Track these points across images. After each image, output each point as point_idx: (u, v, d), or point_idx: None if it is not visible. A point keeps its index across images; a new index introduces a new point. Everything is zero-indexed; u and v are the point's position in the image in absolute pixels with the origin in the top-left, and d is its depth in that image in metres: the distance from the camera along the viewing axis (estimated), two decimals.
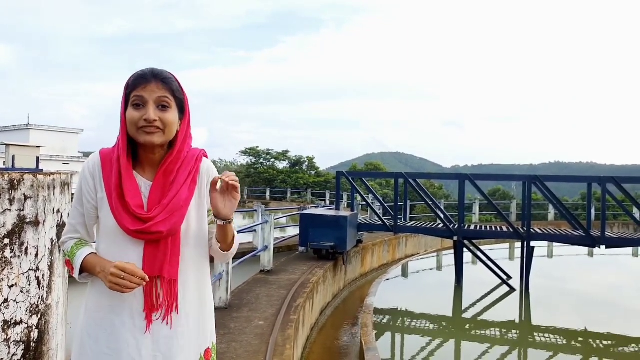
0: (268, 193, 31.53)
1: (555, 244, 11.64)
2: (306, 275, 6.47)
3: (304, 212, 8.50)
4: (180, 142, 1.36)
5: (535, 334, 6.64)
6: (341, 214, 8.41)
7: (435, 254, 13.17)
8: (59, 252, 1.84)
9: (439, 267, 12.03)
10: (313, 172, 38.16)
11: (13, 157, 16.91)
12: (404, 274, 10.32)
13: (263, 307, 4.70)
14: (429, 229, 9.61)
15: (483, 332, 6.80)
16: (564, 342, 6.25)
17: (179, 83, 1.36)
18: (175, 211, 1.30)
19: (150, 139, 1.30)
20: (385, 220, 9.41)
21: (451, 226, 8.98)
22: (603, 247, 8.37)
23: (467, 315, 7.60)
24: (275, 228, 7.30)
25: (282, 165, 38.98)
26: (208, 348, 1.40)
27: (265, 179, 35.92)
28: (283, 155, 39.15)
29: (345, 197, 13.89)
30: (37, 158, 18.84)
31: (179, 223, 1.31)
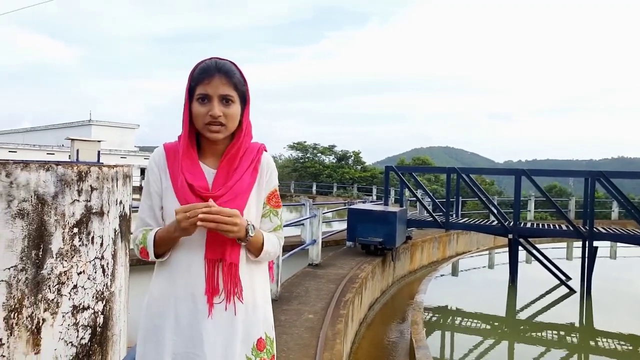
0: (314, 187, 31.68)
1: (619, 244, 11.01)
2: (354, 270, 6.44)
3: (352, 207, 8.45)
4: (243, 133, 1.40)
5: (598, 339, 6.29)
6: (390, 209, 8.30)
7: (487, 252, 12.78)
8: (122, 241, 1.91)
9: (491, 266, 11.67)
10: (359, 167, 38.00)
11: (77, 150, 17.87)
12: (454, 271, 10.09)
13: (312, 300, 4.72)
14: (482, 226, 9.31)
15: (539, 334, 6.52)
16: (630, 348, 5.90)
17: (241, 74, 1.39)
18: (239, 194, 1.33)
19: (215, 136, 1.34)
20: (436, 217, 9.20)
21: (506, 223, 8.67)
22: None
23: (522, 316, 7.32)
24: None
25: (328, 159, 39.06)
26: (261, 338, 1.39)
27: (312, 174, 36.10)
28: (329, 149, 39.20)
29: (392, 192, 13.71)
30: (98, 152, 19.84)
31: (242, 206, 1.33)
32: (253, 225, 1.33)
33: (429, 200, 11.26)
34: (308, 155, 39.17)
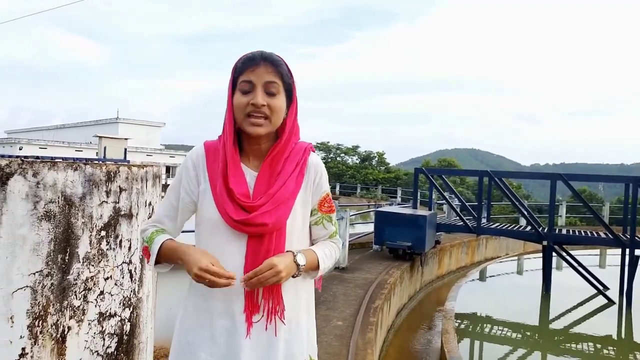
0: (337, 188, 31.50)
1: None
2: (382, 275, 6.28)
3: (380, 209, 8.29)
4: (288, 131, 1.26)
5: (638, 353, 5.99)
6: (419, 212, 8.10)
7: (516, 257, 12.42)
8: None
9: (520, 272, 11.33)
10: (383, 168, 37.68)
11: (105, 148, 18.11)
12: (482, 277, 9.81)
13: (341, 306, 4.58)
14: (515, 232, 9.00)
15: (574, 346, 6.24)
16: None
17: (287, 67, 1.25)
18: (281, 203, 1.20)
19: (256, 130, 1.21)
20: (466, 221, 8.95)
21: (540, 229, 8.37)
22: None
23: (556, 325, 7.03)
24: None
25: (351, 160, 38.85)
26: None
27: (335, 174, 35.94)
28: (353, 150, 39.00)
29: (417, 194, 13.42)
30: (125, 149, 20.08)
31: (285, 216, 1.20)
32: (303, 255, 1.21)
33: (458, 203, 10.99)
34: (331, 155, 39.03)
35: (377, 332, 4.49)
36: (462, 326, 6.64)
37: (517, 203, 9.21)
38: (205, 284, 1.13)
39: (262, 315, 1.20)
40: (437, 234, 9.02)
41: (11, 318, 1.26)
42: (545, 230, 8.31)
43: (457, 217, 9.68)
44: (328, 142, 39.68)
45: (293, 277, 1.20)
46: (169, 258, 1.21)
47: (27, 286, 1.38)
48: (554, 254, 8.20)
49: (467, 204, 10.43)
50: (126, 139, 22.64)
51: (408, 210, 8.54)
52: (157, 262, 1.22)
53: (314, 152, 1.31)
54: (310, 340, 1.29)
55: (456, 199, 10.67)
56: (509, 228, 9.35)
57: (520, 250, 12.87)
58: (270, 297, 1.20)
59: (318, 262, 1.25)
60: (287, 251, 1.20)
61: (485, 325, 6.88)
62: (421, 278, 8.41)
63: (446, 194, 10.75)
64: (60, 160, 1.43)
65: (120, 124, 39.36)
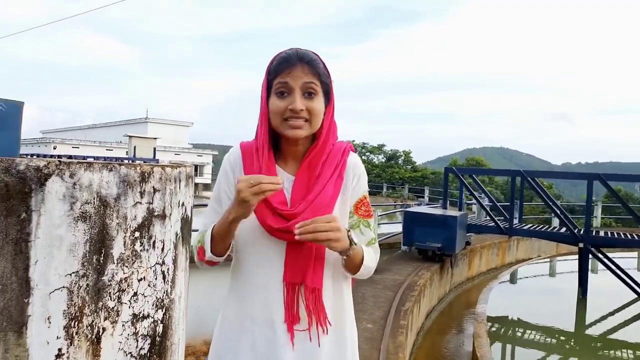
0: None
1: None
2: (412, 276, 6.19)
3: (408, 209, 8.18)
4: (325, 132, 1.20)
5: None
6: (450, 213, 7.96)
7: (548, 259, 12.10)
8: (183, 245, 1.81)
9: (552, 274, 11.02)
10: (409, 167, 37.30)
11: (134, 147, 18.50)
12: (514, 279, 9.57)
13: (370, 308, 4.53)
14: (549, 233, 8.73)
15: (613, 352, 6.02)
16: None
17: (325, 65, 1.20)
18: (320, 209, 1.15)
19: (296, 133, 1.16)
20: (498, 222, 8.74)
21: (575, 231, 8.10)
22: None
23: (593, 331, 6.80)
24: None
25: (377, 159, 38.60)
26: None
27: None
28: (378, 149, 38.74)
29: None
30: (154, 149, 20.47)
31: None
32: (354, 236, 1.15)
33: (488, 204, 10.75)
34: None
35: (408, 335, 4.42)
36: (494, 329, 6.48)
37: (550, 204, 8.95)
38: (253, 192, 1.04)
39: (305, 326, 1.15)
40: (467, 234, 8.86)
41: (48, 319, 1.26)
42: (582, 231, 8.06)
43: (488, 218, 9.48)
44: (353, 141, 39.53)
45: (342, 254, 1.13)
46: (222, 235, 1.17)
47: (63, 287, 1.38)
48: (590, 256, 7.94)
49: (498, 204, 10.20)
50: (155, 138, 23.07)
51: (438, 211, 8.41)
52: (216, 255, 1.19)
53: (353, 151, 1.26)
54: (353, 348, 1.25)
55: (486, 199, 10.46)
56: (543, 229, 9.09)
57: (553, 252, 12.53)
58: (313, 307, 1.15)
59: (363, 256, 1.19)
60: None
61: (517, 329, 6.71)
62: (451, 280, 8.27)
63: (476, 194, 10.55)
64: (96, 160, 1.43)
65: (150, 124, 40.13)
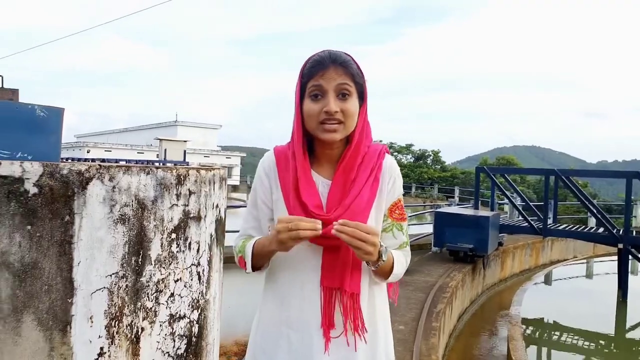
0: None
1: None
2: (444, 278, 6.10)
3: (439, 210, 8.07)
4: (359, 133, 1.19)
5: None
6: (481, 213, 7.81)
7: (584, 261, 11.73)
8: (217, 247, 1.83)
9: (589, 276, 10.69)
10: (438, 167, 36.81)
11: (165, 150, 18.85)
12: (548, 280, 9.32)
13: (402, 310, 4.49)
14: (585, 234, 8.45)
15: None
16: None
17: (358, 66, 1.18)
18: (357, 214, 1.14)
19: (332, 136, 1.15)
20: (532, 222, 8.52)
21: (614, 231, 7.83)
22: None
23: (635, 335, 6.55)
24: None
25: (405, 159, 38.23)
26: None
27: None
28: (407, 148, 38.36)
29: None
30: (184, 151, 20.80)
31: None
32: (386, 248, 1.14)
33: (521, 203, 10.51)
34: None
35: (440, 337, 4.36)
36: (529, 332, 6.33)
37: (587, 203, 8.67)
38: (290, 237, 1.06)
39: (341, 331, 1.14)
40: (500, 235, 8.68)
41: (90, 318, 1.30)
42: (621, 232, 7.78)
43: (521, 218, 9.27)
44: (380, 141, 39.05)
45: (368, 265, 1.13)
46: (262, 255, 1.19)
47: (104, 287, 1.41)
48: (630, 257, 7.66)
49: (531, 204, 9.96)
50: (185, 141, 23.45)
51: (469, 211, 8.26)
52: (255, 268, 1.21)
53: (388, 153, 1.25)
54: (388, 351, 1.24)
55: (519, 199, 10.22)
56: (579, 229, 8.82)
57: (589, 252, 12.15)
58: (350, 312, 1.14)
59: (392, 264, 1.18)
60: None
61: (553, 332, 6.52)
62: (483, 281, 8.11)
63: (508, 194, 10.32)
64: (135, 164, 1.46)
65: (179, 127, 40.85)
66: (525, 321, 6.44)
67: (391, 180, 1.23)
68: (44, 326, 1.22)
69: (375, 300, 1.21)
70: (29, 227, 1.21)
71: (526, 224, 8.58)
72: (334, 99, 1.14)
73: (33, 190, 1.21)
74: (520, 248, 9.88)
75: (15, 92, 2.76)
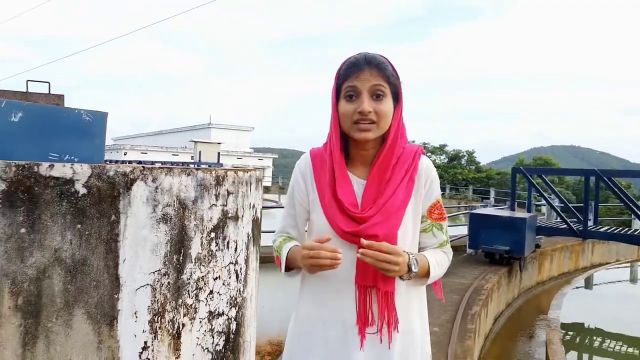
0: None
1: None
2: (479, 280, 6.01)
3: (474, 211, 7.94)
4: (394, 134, 1.22)
5: None
6: (518, 215, 7.64)
7: (628, 264, 11.29)
8: (253, 246, 1.88)
9: (634, 280, 10.28)
10: (473, 167, 36.13)
11: (200, 152, 19.23)
12: (589, 284, 9.02)
13: (436, 311, 4.45)
14: (630, 236, 8.10)
15: None
16: None
17: (393, 67, 1.21)
18: (392, 213, 1.16)
19: (365, 135, 1.18)
20: (571, 224, 8.27)
21: None
22: None
23: None
24: None
25: (439, 159, 37.70)
26: None
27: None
28: (440, 149, 37.82)
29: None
30: (218, 153, 21.16)
31: (396, 227, 1.16)
32: (416, 260, 1.14)
33: (559, 205, 10.21)
34: None
35: (475, 339, 4.30)
36: (568, 337, 6.14)
37: (630, 205, 8.35)
38: (312, 264, 1.12)
39: (376, 328, 1.16)
40: (537, 237, 8.47)
41: (135, 313, 1.35)
42: None
43: (559, 220, 9.01)
44: (413, 141, 38.63)
45: (401, 278, 1.15)
46: (293, 263, 1.23)
47: (147, 284, 1.47)
48: None
49: (570, 205, 9.67)
50: (219, 143, 23.86)
51: (505, 212, 8.10)
52: (288, 269, 1.25)
53: (424, 154, 1.26)
54: (424, 349, 1.24)
55: (557, 200, 9.94)
56: (622, 232, 8.50)
57: (633, 256, 11.68)
58: (384, 309, 1.16)
59: (429, 269, 1.19)
60: (403, 251, 1.16)
61: (595, 337, 6.32)
62: (520, 284, 7.93)
63: (545, 195, 10.05)
64: (175, 166, 1.52)
65: (213, 129, 41.58)
66: (565, 326, 6.26)
67: (428, 182, 1.24)
68: (93, 320, 1.28)
69: (412, 299, 1.22)
70: (78, 225, 1.27)
71: (564, 225, 8.33)
72: (368, 99, 1.17)
73: (82, 190, 1.27)
74: (558, 250, 9.60)
75: (60, 97, 2.89)
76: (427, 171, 1.25)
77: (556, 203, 9.77)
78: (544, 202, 9.88)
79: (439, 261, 1.23)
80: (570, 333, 6.29)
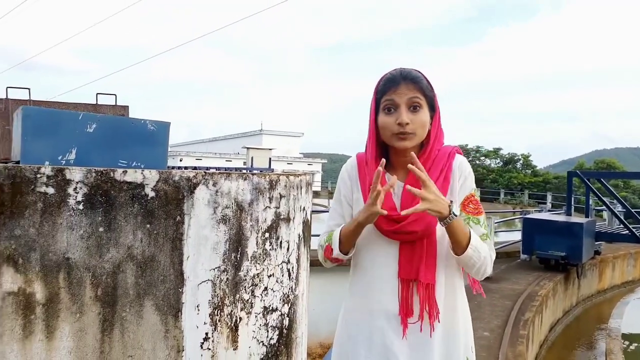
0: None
1: None
2: (532, 286, 5.83)
3: (528, 216, 7.71)
4: (432, 140, 1.31)
5: None
6: (575, 219, 7.35)
7: None
8: (304, 246, 1.97)
9: None
10: (529, 171, 34.80)
11: (252, 158, 19.70)
12: None
13: (487, 316, 4.38)
14: None
15: None
16: None
17: (428, 81, 1.31)
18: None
19: (404, 144, 1.28)
20: (633, 230, 7.85)
21: None
22: None
23: None
24: None
25: (493, 163, 36.59)
26: None
27: (475, 179, 34.03)
28: (494, 153, 36.70)
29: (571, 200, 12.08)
30: (270, 159, 21.59)
31: (434, 223, 1.25)
32: (457, 209, 1.24)
33: (621, 210, 9.70)
34: (470, 158, 37.15)
35: (528, 346, 4.19)
36: (632, 348, 5.85)
37: None
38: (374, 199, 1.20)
39: (417, 318, 1.23)
40: (597, 243, 8.09)
41: (197, 307, 1.47)
42: None
43: (621, 226, 8.57)
44: (466, 145, 37.89)
45: (441, 222, 1.20)
46: (349, 236, 1.31)
47: (208, 280, 1.59)
48: None
49: (633, 210, 9.17)
50: (270, 149, 24.32)
51: (561, 217, 7.80)
52: (342, 253, 1.34)
53: (460, 154, 1.32)
54: (467, 341, 1.30)
55: (619, 205, 9.45)
56: None
57: None
58: (425, 301, 1.23)
59: (469, 239, 1.22)
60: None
61: None
62: (578, 292, 7.61)
63: (607, 200, 9.58)
64: (234, 171, 1.64)
65: (264, 135, 42.43)
66: (626, 336, 5.96)
67: (462, 178, 1.32)
68: (161, 311, 1.41)
69: (455, 293, 1.28)
70: (148, 225, 1.41)
71: (627, 231, 7.92)
72: (406, 111, 1.26)
73: (151, 194, 1.41)
74: (621, 258, 9.13)
75: (125, 108, 3.12)
76: (460, 168, 1.33)
77: (618, 209, 9.30)
78: (604, 207, 9.43)
79: (480, 244, 1.26)
80: (635, 344, 5.98)
